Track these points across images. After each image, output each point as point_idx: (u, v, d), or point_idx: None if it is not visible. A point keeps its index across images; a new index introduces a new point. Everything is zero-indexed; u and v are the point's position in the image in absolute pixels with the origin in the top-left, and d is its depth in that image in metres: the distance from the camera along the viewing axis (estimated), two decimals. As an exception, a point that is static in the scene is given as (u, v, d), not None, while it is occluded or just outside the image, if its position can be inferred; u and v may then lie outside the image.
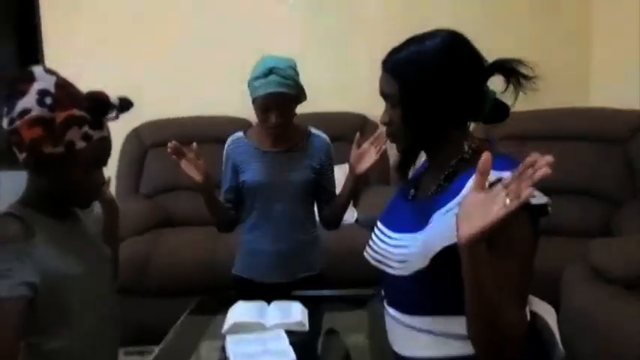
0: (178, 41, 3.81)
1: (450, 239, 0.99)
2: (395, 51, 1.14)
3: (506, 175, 0.90)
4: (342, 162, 2.15)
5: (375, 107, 3.90)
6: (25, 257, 1.11)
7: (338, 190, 2.05)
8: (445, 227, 1.00)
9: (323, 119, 3.06)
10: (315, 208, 2.08)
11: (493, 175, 0.92)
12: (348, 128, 3.54)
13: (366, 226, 3.11)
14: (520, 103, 1.17)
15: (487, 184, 0.90)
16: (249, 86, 1.89)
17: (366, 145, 1.86)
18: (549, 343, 1.14)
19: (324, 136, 2.04)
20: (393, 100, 1.13)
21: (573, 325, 1.96)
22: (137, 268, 2.85)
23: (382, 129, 1.82)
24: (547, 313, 1.17)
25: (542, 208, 0.98)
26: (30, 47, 4.32)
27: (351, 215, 3.17)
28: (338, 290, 2.14)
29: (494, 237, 0.87)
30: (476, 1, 3.74)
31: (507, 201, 0.82)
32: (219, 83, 3.79)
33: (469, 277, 0.90)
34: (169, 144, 1.81)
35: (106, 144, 1.23)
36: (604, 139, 3.20)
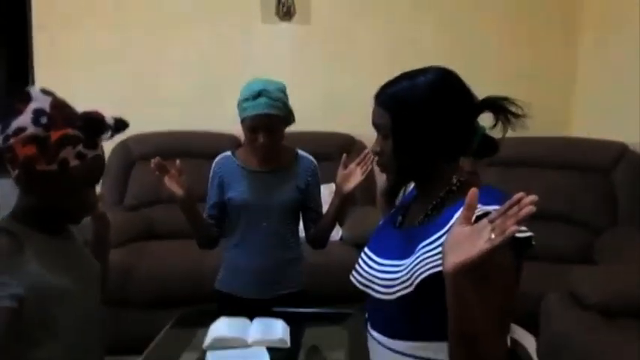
0: (168, 57, 3.85)
1: (434, 268, 1.02)
2: (387, 85, 1.17)
3: (492, 209, 0.95)
4: (328, 181, 2.18)
5: (362, 128, 3.96)
6: (14, 271, 1.12)
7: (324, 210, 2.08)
8: (430, 257, 1.04)
9: (311, 139, 3.10)
10: (301, 227, 2.10)
11: (480, 209, 0.95)
12: (335, 148, 3.58)
13: (351, 244, 3.14)
14: (496, 129, 1.19)
15: (474, 217, 0.93)
16: (238, 107, 1.92)
17: (352, 165, 1.90)
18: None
19: (311, 158, 2.08)
20: (384, 132, 1.16)
21: (552, 351, 1.98)
22: (120, 279, 2.83)
23: (369, 150, 1.87)
24: (526, 340, 1.19)
25: (525, 240, 1.01)
26: (20, 60, 4.32)
27: (335, 233, 3.19)
28: (319, 308, 2.15)
29: (477, 268, 0.89)
30: (464, 34, 3.83)
31: (492, 235, 0.85)
32: (208, 100, 3.82)
33: (452, 305, 0.93)
34: (153, 160, 1.83)
35: (99, 163, 1.24)
36: (586, 168, 3.27)
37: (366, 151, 1.90)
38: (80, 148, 1.17)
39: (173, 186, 1.86)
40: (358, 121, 3.72)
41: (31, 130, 1.14)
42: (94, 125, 1.19)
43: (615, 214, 3.16)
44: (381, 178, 1.88)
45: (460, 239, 0.90)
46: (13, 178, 1.19)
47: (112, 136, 1.23)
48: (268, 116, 1.86)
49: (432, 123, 1.11)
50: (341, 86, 3.87)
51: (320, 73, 3.84)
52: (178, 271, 3.00)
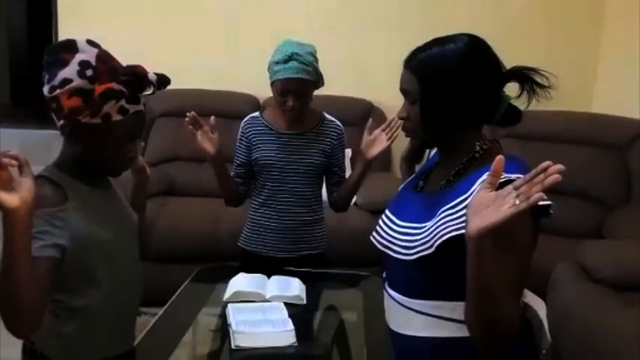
0: (193, 14, 3.84)
1: (455, 231, 1.06)
2: (418, 50, 1.18)
3: (515, 177, 0.98)
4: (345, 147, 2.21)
5: (381, 94, 3.97)
6: (57, 221, 1.16)
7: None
8: (451, 220, 1.08)
9: (330, 103, 3.10)
10: (324, 190, 2.15)
11: (504, 176, 0.99)
12: (353, 113, 3.59)
13: (366, 209, 3.18)
14: (523, 103, 1.22)
15: (497, 184, 0.96)
16: (268, 69, 1.94)
17: (377, 131, 1.93)
18: (538, 332, 1.21)
19: (337, 122, 2.12)
20: (412, 97, 1.18)
21: (559, 321, 2.03)
22: (139, 231, 2.91)
23: (395, 117, 1.89)
24: (537, 304, 1.23)
25: (544, 208, 1.04)
26: (44, 12, 4.32)
27: (350, 198, 3.23)
28: (335, 269, 2.22)
29: (499, 232, 0.93)
30: (492, 6, 3.77)
31: (517, 201, 0.88)
32: (231, 59, 3.82)
33: (473, 268, 0.96)
34: (188, 114, 1.86)
35: (140, 118, 1.26)
36: (603, 145, 3.27)
37: (392, 117, 1.92)
38: (123, 102, 1.19)
39: (205, 143, 1.90)
40: (377, 88, 3.78)
41: (77, 82, 1.16)
42: (137, 80, 1.20)
43: (629, 192, 3.17)
44: (396, 145, 1.92)
45: (484, 204, 0.93)
46: (58, 128, 1.22)
47: (153, 92, 1.24)
48: (299, 80, 1.89)
49: (461, 90, 1.13)
50: (362, 52, 3.85)
51: (342, 37, 3.82)
52: (195, 227, 3.07)
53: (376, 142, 1.92)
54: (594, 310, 2.06)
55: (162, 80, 1.24)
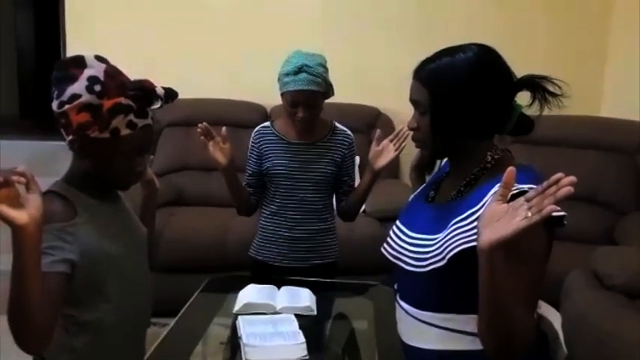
0: (201, 24, 3.85)
1: (467, 243, 1.05)
2: (428, 61, 1.18)
3: (527, 187, 0.98)
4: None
5: (388, 101, 3.96)
6: (67, 236, 1.16)
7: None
8: (463, 232, 1.07)
9: (337, 111, 3.10)
10: (334, 199, 2.14)
11: (516, 187, 0.98)
12: (360, 120, 3.59)
13: (375, 217, 3.17)
14: (532, 108, 1.21)
15: (509, 195, 0.95)
16: (278, 80, 1.95)
17: (385, 141, 1.93)
18: (553, 344, 1.20)
19: (348, 131, 2.12)
20: (422, 108, 1.18)
21: (572, 329, 2.01)
22: (149, 244, 2.91)
23: (403, 127, 1.89)
24: (552, 315, 1.22)
25: (558, 219, 1.03)
26: (51, 18, 4.35)
27: (359, 206, 3.22)
28: (344, 278, 2.20)
29: (511, 245, 0.92)
30: (494, 10, 3.76)
31: (529, 214, 0.88)
32: (238, 68, 3.83)
33: (485, 280, 0.95)
34: (200, 125, 1.87)
35: (149, 132, 1.27)
36: (613, 149, 3.25)
37: (401, 127, 1.92)
38: (131, 117, 1.20)
39: (217, 153, 1.91)
40: (385, 95, 3.77)
41: (86, 97, 1.17)
42: (145, 95, 1.21)
43: (639, 197, 3.14)
44: (405, 152, 1.92)
45: (496, 216, 0.92)
46: (67, 143, 1.23)
47: (161, 106, 1.25)
48: (309, 92, 1.89)
49: (471, 101, 1.12)
50: (368, 59, 3.84)
51: (348, 44, 3.82)
52: (204, 237, 3.06)
53: (384, 153, 1.92)
54: (608, 318, 2.04)
55: (170, 94, 1.25)
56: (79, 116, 1.17)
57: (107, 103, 1.17)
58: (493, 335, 1.01)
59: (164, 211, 3.13)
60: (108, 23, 3.81)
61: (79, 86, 1.17)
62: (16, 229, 0.97)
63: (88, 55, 1.22)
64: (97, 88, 1.17)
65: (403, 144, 1.89)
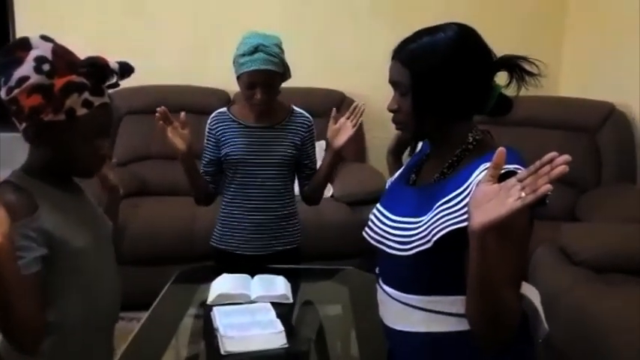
0: (159, 8, 3.73)
1: (453, 225, 1.04)
2: (407, 41, 1.16)
3: (514, 168, 0.98)
4: (319, 139, 2.19)
5: (352, 84, 3.94)
6: (32, 232, 1.10)
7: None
8: (449, 214, 1.05)
9: (301, 95, 3.07)
10: (296, 184, 2.11)
11: (503, 168, 0.96)
12: (325, 104, 3.54)
13: (343, 201, 3.16)
14: (509, 89, 1.20)
15: None
16: (234, 63, 1.89)
17: (342, 119, 1.91)
18: (533, 321, 1.21)
19: (306, 114, 2.08)
20: (402, 89, 1.16)
21: (543, 306, 2.05)
22: (114, 239, 2.83)
23: (359, 103, 1.88)
24: (532, 293, 1.23)
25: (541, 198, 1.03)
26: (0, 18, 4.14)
27: (326, 190, 3.21)
28: (314, 264, 2.19)
29: (501, 226, 0.90)
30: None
31: (523, 194, 0.86)
32: (195, 53, 3.74)
33: (475, 262, 0.94)
34: (158, 109, 1.81)
35: (107, 111, 1.20)
36: (573, 128, 3.31)
37: (355, 103, 1.90)
38: (86, 95, 1.13)
39: (176, 139, 1.85)
40: (349, 78, 3.75)
41: (34, 78, 1.10)
42: (98, 71, 1.15)
43: (599, 174, 3.23)
44: (372, 135, 1.91)
45: (487, 197, 0.91)
46: (21, 132, 1.16)
47: (117, 83, 1.19)
48: (266, 72, 1.85)
49: (453, 80, 1.11)
50: (333, 42, 3.80)
51: (312, 27, 3.77)
52: (170, 228, 3.00)
53: (342, 131, 1.90)
54: (578, 292, 2.08)
55: (125, 68, 1.18)
56: (30, 99, 1.10)
57: (58, 82, 1.11)
58: (482, 316, 1.00)
59: (127, 202, 3.01)
60: (60, 5, 3.65)
61: (26, 68, 1.10)
62: None
63: (33, 36, 1.15)
64: (46, 67, 1.11)
65: (359, 119, 1.88)
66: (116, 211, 1.51)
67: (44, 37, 1.16)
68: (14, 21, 3.71)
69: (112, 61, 1.17)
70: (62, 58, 1.14)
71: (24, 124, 1.14)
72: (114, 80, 1.18)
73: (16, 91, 1.10)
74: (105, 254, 1.31)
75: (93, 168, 1.26)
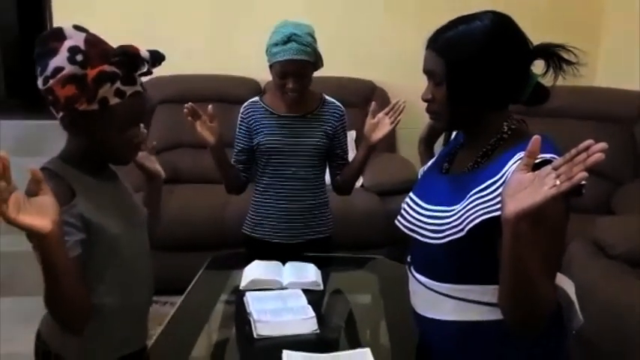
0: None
1: (488, 214, 1.03)
2: (442, 30, 1.15)
3: (549, 157, 0.97)
4: (349, 129, 2.19)
5: (383, 75, 3.92)
6: (71, 218, 1.13)
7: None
8: (483, 202, 1.05)
9: (332, 84, 3.07)
10: (327, 173, 2.12)
11: (538, 157, 0.95)
12: (355, 94, 3.56)
13: (373, 191, 3.16)
14: (545, 78, 1.18)
15: None
16: (267, 52, 1.90)
17: (381, 114, 1.90)
18: (567, 312, 1.20)
19: (338, 103, 2.08)
20: (437, 78, 1.15)
21: (578, 299, 2.03)
22: (153, 227, 2.89)
23: (399, 100, 1.87)
24: (566, 284, 1.22)
25: (576, 188, 1.01)
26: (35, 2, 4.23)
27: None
28: (343, 252, 2.20)
29: (536, 215, 0.90)
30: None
31: (557, 182, 0.86)
32: (230, 42, 3.77)
33: (510, 251, 0.94)
34: (186, 105, 1.84)
35: (140, 99, 1.21)
36: (610, 119, 3.25)
37: (396, 100, 1.89)
38: (118, 84, 1.14)
39: (205, 132, 1.88)
40: (380, 68, 3.73)
41: (69, 69, 1.11)
42: (130, 60, 1.15)
43: (637, 166, 3.17)
44: (401, 126, 1.91)
45: (522, 185, 0.90)
46: (59, 121, 1.18)
47: (149, 71, 1.19)
48: (298, 62, 1.85)
49: (489, 69, 1.10)
50: (363, 32, 3.79)
51: (342, 17, 3.76)
52: (202, 215, 3.05)
53: (379, 126, 1.89)
54: (613, 286, 2.06)
55: (157, 56, 1.19)
56: (65, 90, 1.12)
57: (91, 72, 1.12)
58: (516, 306, 1.00)
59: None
60: (93, 5, 3.70)
61: (60, 59, 1.12)
62: (41, 237, 0.97)
63: (67, 26, 1.17)
64: (79, 57, 1.12)
65: (399, 117, 1.87)
66: (158, 198, 1.53)
67: (77, 27, 1.17)
68: (51, 9, 3.79)
69: (143, 49, 1.18)
70: (95, 47, 1.15)
71: (60, 114, 1.16)
72: (145, 69, 1.18)
73: (51, 81, 1.12)
74: (139, 241, 1.34)
75: (127, 156, 1.28)
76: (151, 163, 1.48)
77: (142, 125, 1.29)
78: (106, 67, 1.13)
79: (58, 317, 1.13)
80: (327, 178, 2.13)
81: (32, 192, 0.97)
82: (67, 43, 1.13)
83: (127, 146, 1.24)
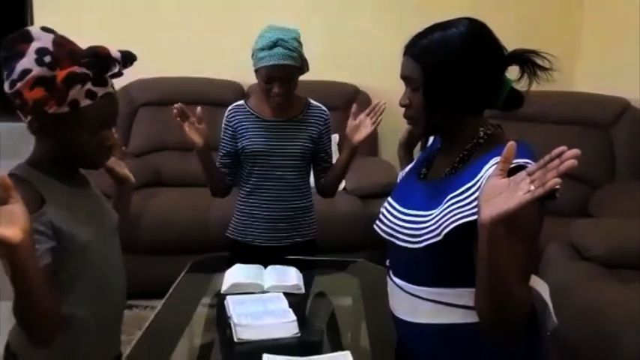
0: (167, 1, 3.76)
1: (464, 218, 1.05)
2: (419, 37, 1.17)
3: (524, 162, 0.99)
4: (331, 132, 2.20)
5: (366, 78, 3.94)
6: (40, 225, 1.10)
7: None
8: (460, 207, 1.07)
9: (314, 88, 3.08)
10: (311, 176, 2.13)
11: (513, 162, 0.97)
12: (338, 98, 3.58)
13: (355, 194, 3.18)
14: (520, 83, 1.21)
15: None
16: (253, 56, 1.91)
17: (362, 116, 1.93)
18: (542, 314, 1.22)
19: (323, 107, 2.10)
20: (414, 84, 1.17)
21: (555, 300, 2.06)
22: (124, 231, 2.87)
23: (379, 101, 1.89)
24: (540, 287, 1.24)
25: (551, 192, 1.04)
26: (17, 5, 4.18)
27: (339, 184, 3.23)
28: (326, 255, 2.21)
29: (511, 219, 0.92)
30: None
31: (532, 187, 0.88)
32: (213, 45, 3.76)
33: (485, 255, 0.96)
34: (175, 105, 1.84)
35: (111, 101, 1.18)
36: (587, 124, 3.31)
37: (376, 102, 1.92)
38: (89, 86, 1.12)
39: (193, 134, 1.88)
40: (363, 72, 3.75)
41: (36, 71, 1.08)
42: (100, 60, 1.13)
43: (613, 170, 3.22)
44: (383, 129, 1.93)
45: (497, 190, 0.92)
46: (26, 126, 1.15)
47: (120, 72, 1.17)
48: (284, 67, 1.86)
49: (464, 75, 1.12)
50: (346, 36, 3.82)
51: (325, 21, 3.78)
52: (185, 218, 3.04)
53: (361, 127, 1.92)
54: (589, 288, 2.09)
55: (128, 57, 1.17)
56: (33, 92, 1.09)
57: (60, 74, 1.09)
58: (492, 309, 1.02)
59: (143, 192, 3.09)
60: (75, 9, 3.68)
61: (27, 61, 1.09)
62: (11, 247, 0.92)
63: (34, 27, 1.14)
64: (47, 59, 1.09)
65: (379, 118, 1.90)
66: (127, 203, 1.50)
67: (45, 29, 1.15)
68: (32, 13, 3.75)
69: (114, 50, 1.15)
70: (63, 48, 1.12)
71: (29, 117, 1.13)
72: (117, 69, 1.16)
73: (19, 84, 1.09)
74: (111, 247, 1.32)
75: (99, 160, 1.24)
76: (120, 168, 1.45)
77: (114, 129, 1.26)
78: (76, 68, 1.10)
79: (27, 328, 1.08)
80: (312, 181, 2.14)
81: (1, 200, 0.93)
82: (35, 45, 1.10)
83: (98, 149, 1.21)
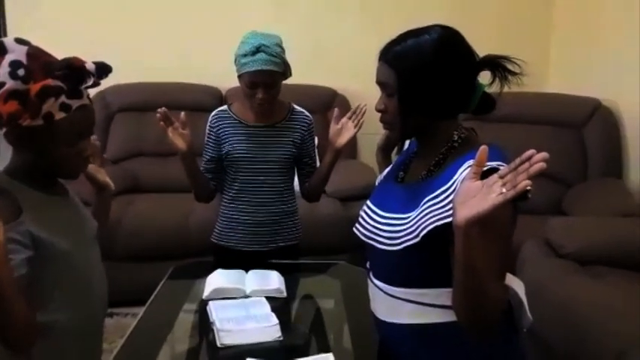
0: (151, 4, 3.75)
1: (440, 220, 1.08)
2: (393, 43, 1.20)
3: (496, 164, 1.03)
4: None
5: (344, 81, 3.96)
6: (18, 235, 1.09)
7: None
8: (436, 210, 1.10)
9: (292, 91, 3.09)
10: (295, 181, 2.15)
11: (486, 165, 1.00)
12: (317, 101, 3.60)
13: (336, 197, 3.20)
14: (492, 87, 1.24)
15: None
16: (235, 62, 1.92)
17: (344, 119, 1.95)
18: (518, 311, 1.26)
19: (306, 113, 2.12)
20: (389, 90, 1.20)
21: (530, 297, 2.11)
22: (102, 238, 2.85)
23: (360, 103, 1.92)
24: (516, 285, 1.28)
25: (523, 193, 1.07)
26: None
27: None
28: (307, 258, 2.23)
29: (485, 220, 0.95)
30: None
31: (504, 190, 0.91)
32: (188, 51, 3.75)
33: (461, 256, 0.99)
34: (159, 110, 1.84)
35: (87, 112, 1.18)
36: (560, 124, 3.37)
37: (358, 105, 1.95)
38: (63, 99, 1.11)
39: (176, 139, 1.88)
40: (341, 75, 3.78)
41: (10, 84, 1.08)
42: (74, 73, 1.12)
43: (586, 169, 3.29)
44: (362, 132, 1.96)
45: (471, 193, 0.95)
46: (2, 136, 1.14)
47: (95, 83, 1.16)
48: (267, 72, 1.87)
49: (437, 80, 1.15)
50: (324, 39, 3.84)
51: (303, 24, 3.79)
52: (164, 224, 3.03)
53: (344, 131, 1.94)
54: (564, 285, 2.14)
55: (102, 69, 1.16)
56: (7, 106, 1.08)
57: (34, 87, 1.09)
58: (468, 309, 1.05)
59: (121, 199, 3.06)
60: (54, 4, 3.65)
61: (1, 73, 1.09)
62: None
63: (8, 39, 1.13)
64: (21, 72, 1.09)
65: (361, 120, 1.93)
66: (107, 210, 1.50)
67: (19, 40, 1.14)
68: (4, 17, 3.70)
69: (89, 62, 1.15)
70: (37, 61, 1.11)
71: (3, 130, 1.12)
72: (91, 82, 1.15)
73: None
74: (91, 255, 1.31)
75: (76, 170, 1.25)
76: (101, 176, 1.45)
77: (94, 137, 1.25)
78: (50, 82, 1.10)
79: (2, 337, 1.07)
80: (296, 185, 2.16)
81: None
82: (9, 57, 1.10)
83: (75, 160, 1.21)
